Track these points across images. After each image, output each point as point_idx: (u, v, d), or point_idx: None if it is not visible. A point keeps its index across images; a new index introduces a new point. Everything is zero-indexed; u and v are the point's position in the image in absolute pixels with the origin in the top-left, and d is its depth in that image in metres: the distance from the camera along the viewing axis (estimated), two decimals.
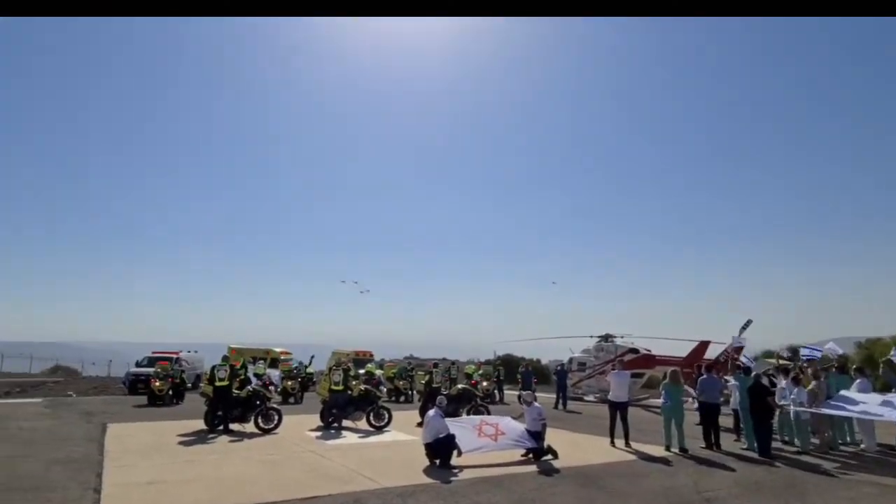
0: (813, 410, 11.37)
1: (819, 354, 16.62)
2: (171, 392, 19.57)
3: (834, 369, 14.04)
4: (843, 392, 11.81)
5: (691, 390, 13.93)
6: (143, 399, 19.54)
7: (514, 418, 11.08)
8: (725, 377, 14.54)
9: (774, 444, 11.67)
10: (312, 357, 26.19)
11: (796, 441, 11.92)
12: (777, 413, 12.11)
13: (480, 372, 23.90)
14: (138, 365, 24.53)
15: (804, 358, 16.85)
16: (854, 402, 11.24)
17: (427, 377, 17.29)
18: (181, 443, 11.48)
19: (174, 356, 23.76)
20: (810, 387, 11.67)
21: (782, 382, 12.51)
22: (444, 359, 32.89)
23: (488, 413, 13.70)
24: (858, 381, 12.19)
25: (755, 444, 11.33)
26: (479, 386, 18.81)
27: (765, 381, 12.37)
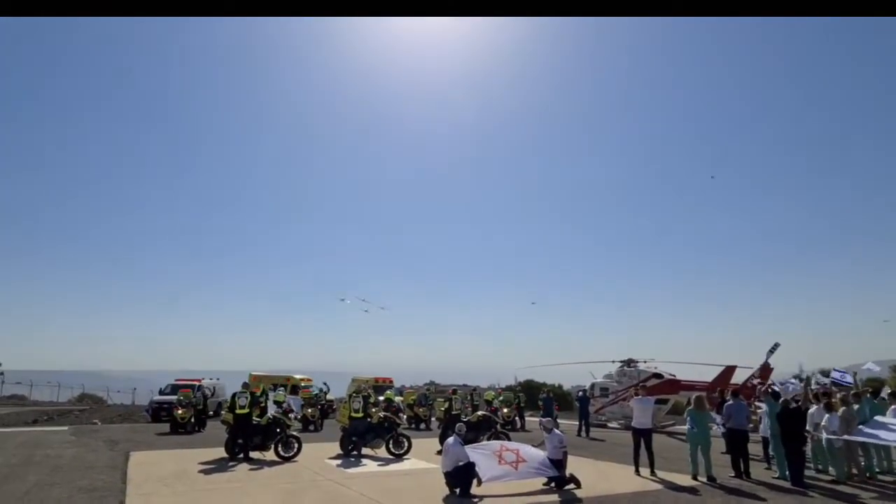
0: (845, 437, 10.95)
1: (849, 378, 16.08)
2: (193, 420, 19.69)
3: (868, 394, 13.55)
4: (877, 418, 11.38)
5: (717, 416, 13.55)
6: (167, 427, 19.70)
7: (534, 446, 10.89)
8: (758, 403, 14.11)
9: (808, 473, 11.24)
10: (325, 384, 26.21)
11: (831, 470, 11.47)
12: (809, 440, 11.70)
13: (501, 398, 23.62)
14: (161, 393, 24.79)
15: (833, 381, 16.32)
16: (889, 429, 10.82)
17: (446, 404, 17.14)
18: (202, 471, 11.51)
19: (196, 384, 23.98)
20: (840, 412, 11.25)
21: (813, 408, 12.10)
22: (464, 385, 32.61)
23: (509, 440, 13.50)
24: (894, 406, 11.75)
25: (787, 473, 10.92)
26: (499, 413, 18.57)
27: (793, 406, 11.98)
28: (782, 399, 11.86)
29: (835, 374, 17.14)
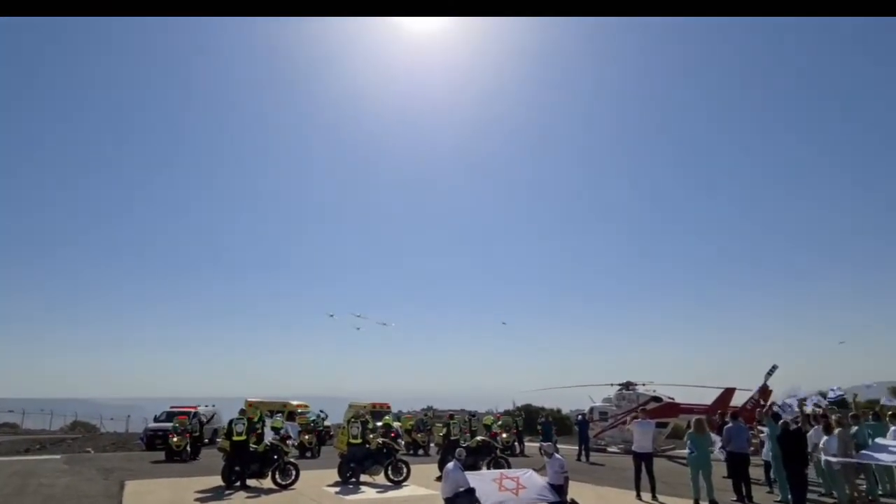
0: (842, 459, 10.91)
1: (837, 393, 16.04)
2: (188, 447, 19.43)
3: (870, 416, 13.53)
4: (878, 440, 11.36)
5: (718, 439, 13.50)
6: (162, 455, 19.42)
7: (535, 471, 10.81)
8: (760, 427, 14.04)
9: (811, 496, 11.17)
10: (322, 410, 25.95)
11: (834, 493, 11.40)
12: (812, 462, 11.65)
13: (500, 423, 23.41)
14: (156, 420, 24.48)
15: (830, 401, 16.29)
16: (890, 451, 10.79)
17: (445, 429, 17.00)
18: (199, 499, 11.36)
19: (192, 410, 23.72)
20: (836, 433, 11.22)
21: (811, 430, 12.08)
22: (462, 410, 32.32)
23: (508, 466, 13.39)
24: (894, 428, 11.73)
25: (789, 496, 10.85)
26: (498, 438, 18.41)
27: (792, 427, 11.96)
28: (782, 421, 11.85)
29: (830, 395, 17.12)
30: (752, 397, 22.73)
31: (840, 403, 17.98)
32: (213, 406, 29.07)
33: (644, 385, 26.22)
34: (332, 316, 57.74)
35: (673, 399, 25.40)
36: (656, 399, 25.19)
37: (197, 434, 20.22)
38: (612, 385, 27.05)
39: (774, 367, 23.32)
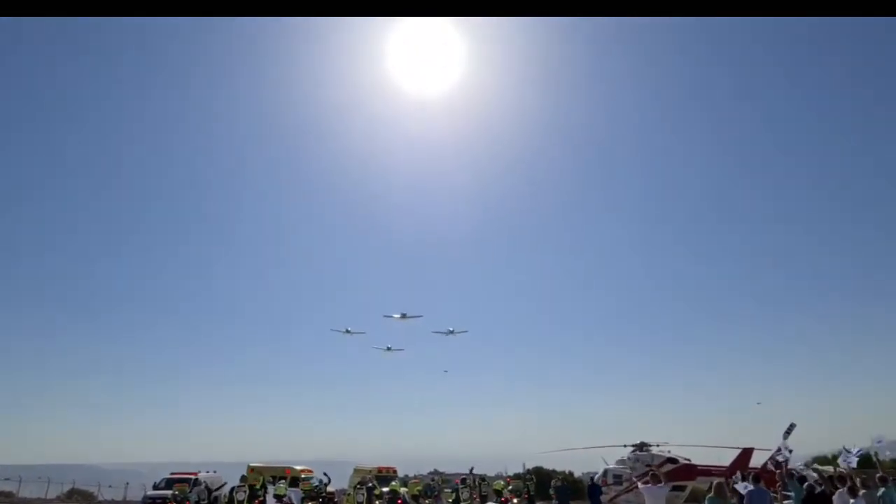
0: None
1: (853, 459, 15.43)
2: None
3: (892, 481, 12.99)
4: None
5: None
6: None
7: None
8: (780, 492, 13.50)
9: None
10: (325, 475, 25.16)
11: None
12: None
13: (510, 487, 22.60)
14: (156, 488, 23.76)
15: (847, 462, 15.66)
16: None
17: (454, 494, 16.43)
18: None
19: (192, 477, 23.05)
20: (861, 494, 10.77)
21: (836, 492, 11.59)
22: (471, 472, 31.25)
23: None
24: None
25: None
26: (509, 503, 17.76)
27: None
28: (806, 483, 11.39)
29: (848, 457, 16.44)
30: (770, 457, 21.96)
31: (864, 462, 17.30)
32: (215, 472, 28.27)
33: (658, 445, 25.44)
34: (348, 331, 59.50)
35: (689, 460, 24.55)
36: (672, 460, 24.36)
37: (206, 501, 19.55)
38: (625, 446, 26.24)
39: (792, 426, 22.63)
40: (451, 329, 60.28)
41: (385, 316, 60.35)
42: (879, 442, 15.92)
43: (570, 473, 39.29)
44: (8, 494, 36.95)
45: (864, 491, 10.86)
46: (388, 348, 63.85)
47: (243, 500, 12.96)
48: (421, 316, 61.26)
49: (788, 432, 22.52)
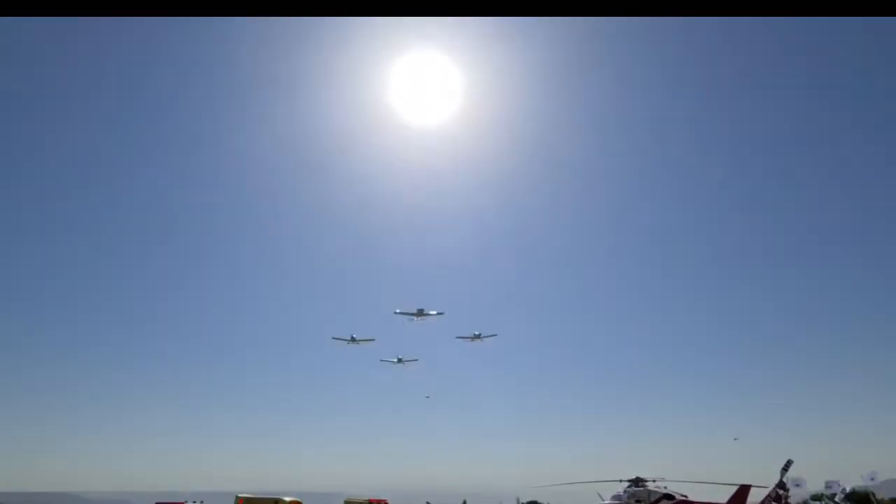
0: None
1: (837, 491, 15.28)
2: None
3: None
4: None
5: None
6: None
7: None
8: None
9: None
10: None
11: None
12: None
13: None
14: None
15: (833, 494, 15.48)
16: None
17: None
18: None
19: None
20: None
21: None
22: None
23: None
24: None
25: None
26: None
27: None
28: None
29: (831, 484, 16.31)
30: (768, 495, 21.66)
31: (862, 500, 17.09)
32: (202, 502, 27.71)
33: (654, 481, 25.06)
34: (353, 339, 52.21)
35: (686, 497, 24.16)
36: (668, 497, 23.99)
37: None
38: (620, 481, 25.84)
39: (789, 462, 22.38)
40: (478, 333, 52.05)
41: (397, 313, 50.74)
42: (872, 479, 15.75)
43: None
44: None
45: None
46: (399, 359, 54.91)
47: None
48: (442, 313, 51.20)
49: (786, 469, 22.26)
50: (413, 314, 49.79)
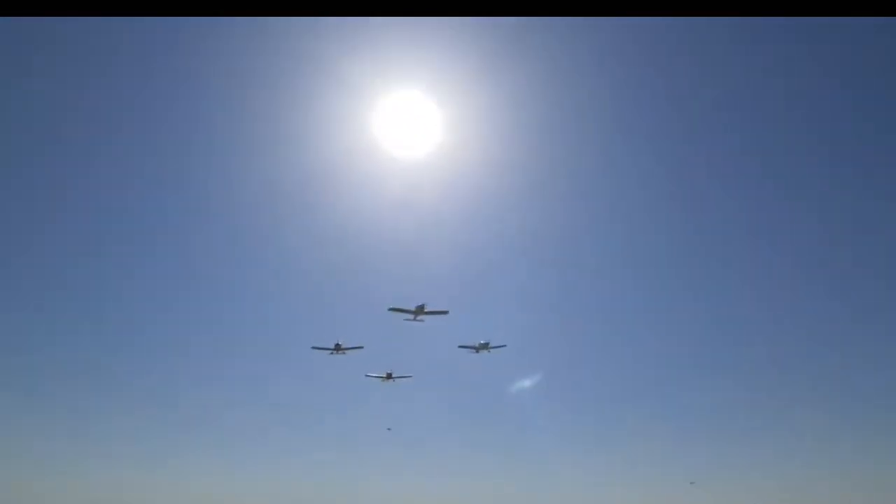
0: None
1: None
2: None
3: None
4: None
5: None
6: None
7: None
8: None
9: None
10: None
11: None
12: None
13: None
14: None
15: None
16: None
17: None
18: None
19: None
20: None
21: None
22: None
23: None
24: None
25: None
26: None
27: None
28: None
29: None
30: None
31: None
32: None
33: None
34: (335, 350, 45.56)
35: None
36: None
37: None
38: None
39: None
40: (485, 342, 44.87)
41: (391, 309, 42.71)
42: None
43: None
44: None
45: None
46: (389, 375, 47.69)
47: None
48: (446, 312, 43.22)
49: None
50: (412, 311, 42.59)
